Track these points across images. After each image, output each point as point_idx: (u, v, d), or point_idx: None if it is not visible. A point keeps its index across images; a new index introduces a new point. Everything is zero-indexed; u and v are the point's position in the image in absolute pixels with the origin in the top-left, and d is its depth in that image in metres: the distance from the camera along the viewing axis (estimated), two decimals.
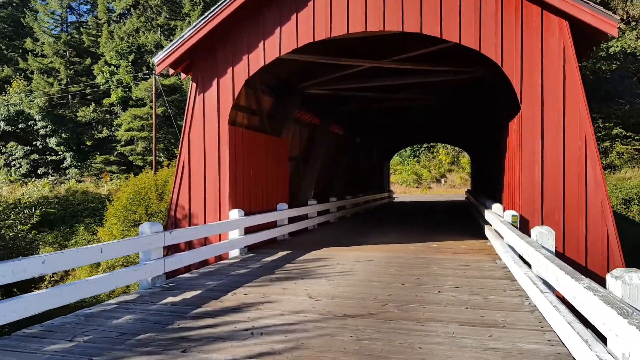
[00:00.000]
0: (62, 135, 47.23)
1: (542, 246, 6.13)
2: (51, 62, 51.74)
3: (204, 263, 10.22)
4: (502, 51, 9.37)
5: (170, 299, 6.77)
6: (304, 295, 6.92)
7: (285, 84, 14.94)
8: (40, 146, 47.92)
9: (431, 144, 58.47)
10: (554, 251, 6.34)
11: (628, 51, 33.55)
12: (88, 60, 51.34)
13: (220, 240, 10.73)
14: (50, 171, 48.62)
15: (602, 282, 8.81)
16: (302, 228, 15.16)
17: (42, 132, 47.11)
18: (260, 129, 13.58)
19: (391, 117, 23.72)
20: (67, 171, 47.87)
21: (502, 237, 9.63)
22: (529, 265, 6.81)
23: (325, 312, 6.05)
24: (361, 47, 13.26)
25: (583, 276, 4.04)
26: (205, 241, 10.98)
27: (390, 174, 57.88)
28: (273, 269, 8.87)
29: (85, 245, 32.21)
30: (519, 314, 5.83)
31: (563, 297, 4.79)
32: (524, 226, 9.20)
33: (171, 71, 11.10)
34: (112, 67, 49.30)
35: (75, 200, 39.27)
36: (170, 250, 11.03)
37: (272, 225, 12.91)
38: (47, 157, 48.36)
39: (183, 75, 11.48)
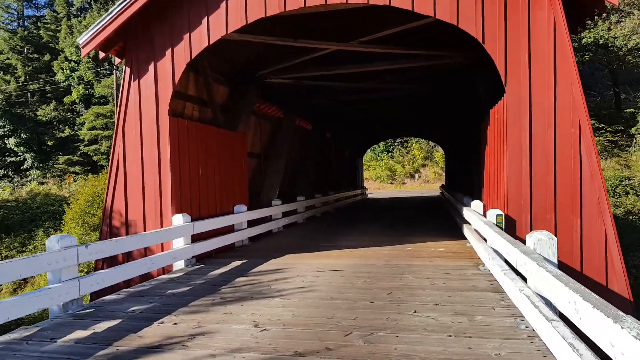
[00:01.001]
0: (22, 135, 44.82)
1: (544, 258, 4.87)
2: (7, 58, 49.12)
3: (146, 277, 8.79)
4: (483, 25, 8.12)
5: (76, 334, 5.31)
6: (248, 323, 5.55)
7: (242, 72, 13.52)
8: None
9: (404, 139, 57.61)
10: (557, 262, 5.10)
11: (600, 42, 32.99)
12: (47, 57, 48.91)
13: (162, 250, 9.29)
14: (10, 173, 46.15)
15: (600, 290, 7.66)
16: (265, 231, 13.76)
17: None
18: (213, 122, 12.13)
19: (362, 110, 22.42)
20: (28, 173, 45.48)
21: (485, 240, 8.42)
22: (523, 278, 5.57)
23: (271, 348, 4.69)
24: (324, 28, 11.91)
25: (624, 315, 2.76)
26: (146, 252, 9.52)
27: (364, 170, 56.84)
28: (219, 286, 7.46)
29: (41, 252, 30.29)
30: (515, 343, 4.57)
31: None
32: (510, 227, 7.99)
33: (101, 54, 9.56)
34: (73, 63, 46.96)
35: (35, 204, 37.24)
36: (106, 264, 9.55)
37: (229, 230, 11.50)
38: (7, 158, 45.86)
39: (117, 61, 9.94)
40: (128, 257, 9.55)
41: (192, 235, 9.49)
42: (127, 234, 9.66)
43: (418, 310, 5.77)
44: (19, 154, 45.47)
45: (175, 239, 9.11)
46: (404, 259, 9.16)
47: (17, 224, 35.16)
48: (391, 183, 57.30)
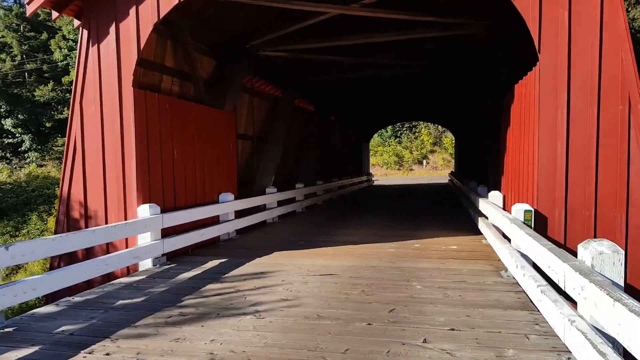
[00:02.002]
0: (19, 116, 43.57)
1: (611, 282, 3.44)
2: (3, 36, 47.73)
3: (108, 277, 7.48)
4: None
5: None
6: (203, 355, 4.17)
7: (231, 42, 12.03)
8: None
9: (413, 123, 55.98)
10: (623, 284, 3.66)
11: None
12: (44, 35, 47.47)
13: (127, 247, 7.94)
14: (8, 155, 45.00)
15: None
16: (258, 222, 12.41)
17: None
18: (196, 99, 10.69)
19: (368, 91, 20.82)
20: (26, 155, 44.29)
21: (509, 240, 7.00)
22: (568, 297, 4.16)
23: None
24: None
25: None
26: (108, 248, 8.18)
27: (371, 155, 55.29)
28: (184, 295, 6.09)
29: (40, 236, 29.11)
30: None
31: None
32: (540, 225, 6.54)
33: (54, 14, 8.12)
34: (71, 41, 45.50)
35: (30, 187, 36.20)
36: (63, 262, 8.23)
37: (213, 221, 10.13)
38: (4, 140, 44.67)
39: (76, 23, 8.48)
40: (89, 253, 8.23)
41: (163, 229, 8.13)
42: (87, 226, 8.31)
43: (429, 339, 4.37)
44: (17, 135, 44.29)
45: (141, 234, 7.75)
46: (410, 260, 7.74)
47: (11, 208, 34.08)
48: (398, 169, 55.76)
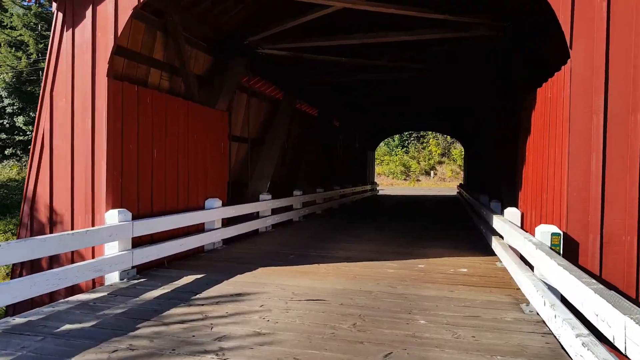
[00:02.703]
0: (31, 114, 42.93)
1: None
2: (20, 35, 47.18)
3: (72, 290, 6.57)
4: None
5: None
6: None
7: (227, 38, 11.11)
8: (7, 125, 43.56)
9: (421, 133, 55.00)
10: None
11: None
12: None
13: (93, 257, 6.98)
14: (18, 152, 44.34)
15: None
16: (250, 231, 11.45)
17: (8, 109, 42.72)
18: (186, 95, 9.76)
19: (375, 96, 19.84)
20: None
21: (531, 266, 5.98)
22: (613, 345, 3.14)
23: None
24: None
25: None
26: (73, 257, 7.23)
27: (377, 164, 54.27)
28: (142, 320, 5.10)
29: None
30: None
31: None
32: (570, 251, 5.51)
33: None
34: None
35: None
36: (25, 270, 7.30)
37: (197, 229, 9.18)
38: (15, 137, 44.04)
39: (54, 6, 7.57)
40: (54, 261, 7.29)
41: (135, 239, 7.17)
42: (52, 231, 7.36)
43: None
44: (28, 132, 43.69)
45: (108, 243, 6.78)
46: (413, 285, 6.72)
47: (15, 205, 33.36)
48: (405, 180, 54.71)
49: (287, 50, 12.18)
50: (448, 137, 52.43)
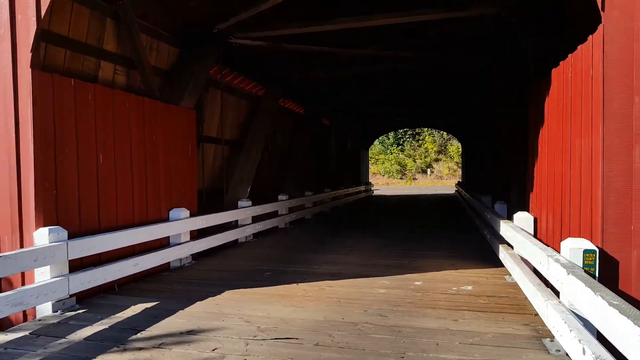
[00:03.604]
0: None
1: None
2: None
3: (2, 325, 5.37)
4: None
5: None
6: None
7: (193, 26, 9.88)
8: None
9: (416, 130, 53.84)
10: None
11: None
12: None
13: (23, 284, 5.74)
14: None
15: None
16: (226, 242, 10.24)
17: None
18: (146, 92, 8.52)
19: (366, 91, 18.56)
20: None
21: (551, 286, 4.77)
22: None
23: None
24: None
25: None
26: None
27: (371, 164, 53.06)
28: None
29: None
30: None
31: None
32: (608, 272, 4.27)
33: None
34: None
35: None
36: None
37: (161, 244, 7.97)
38: None
39: None
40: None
41: (73, 261, 5.94)
42: None
43: None
44: None
45: (37, 269, 5.55)
46: (409, 312, 5.49)
47: None
48: (401, 179, 53.54)
49: (262, 39, 10.96)
50: (444, 133, 51.31)
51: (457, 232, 12.41)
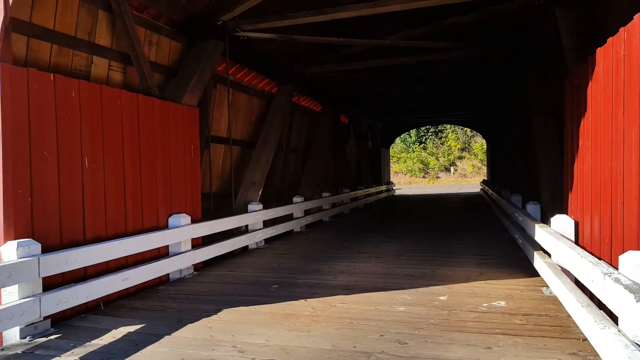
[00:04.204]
0: None
1: None
2: None
3: None
4: None
5: None
6: None
7: (197, 19, 9.18)
8: None
9: (439, 127, 52.61)
10: None
11: None
12: None
13: None
14: None
15: None
16: (236, 249, 9.58)
17: None
18: (142, 88, 7.83)
19: (386, 86, 17.63)
20: None
21: (610, 312, 3.89)
22: None
23: None
24: None
25: None
26: None
27: (393, 162, 52.01)
28: None
29: None
30: None
31: None
32: None
33: None
34: None
35: None
36: None
37: (158, 254, 7.29)
38: None
39: None
40: None
41: (48, 278, 5.27)
42: None
43: None
44: None
45: (4, 287, 4.88)
46: (432, 337, 4.66)
47: None
48: (424, 177, 52.39)
49: (271, 31, 10.21)
50: (468, 130, 50.02)
51: (484, 235, 11.48)
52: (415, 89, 17.75)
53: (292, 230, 12.81)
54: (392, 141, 34.08)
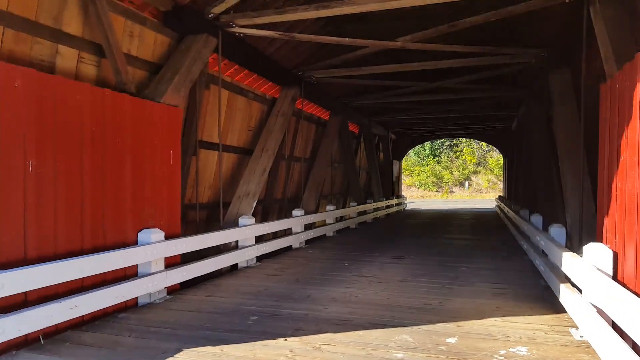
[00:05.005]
0: None
1: None
2: None
3: None
4: None
5: None
6: None
7: (185, 11, 8.28)
8: None
9: (454, 141, 51.44)
10: None
11: None
12: None
13: None
14: None
15: None
16: (220, 268, 8.58)
17: None
18: (117, 85, 6.93)
19: (398, 94, 16.58)
20: None
21: None
22: None
23: None
24: None
25: None
26: None
27: (407, 175, 50.86)
28: None
29: None
30: None
31: None
32: None
33: None
34: None
35: None
36: None
37: (124, 275, 6.32)
38: None
39: None
40: None
41: None
42: None
43: None
44: None
45: None
46: None
47: None
48: (437, 191, 51.16)
49: (271, 27, 9.29)
50: (484, 144, 48.78)
51: (500, 259, 10.36)
52: (429, 99, 16.70)
53: (291, 246, 11.82)
54: (405, 153, 32.97)
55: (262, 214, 13.85)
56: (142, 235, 6.68)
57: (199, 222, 9.71)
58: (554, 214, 10.65)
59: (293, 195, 15.50)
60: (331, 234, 14.66)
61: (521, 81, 14.68)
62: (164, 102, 7.47)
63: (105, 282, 6.00)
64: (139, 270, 6.64)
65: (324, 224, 14.73)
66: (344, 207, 19.15)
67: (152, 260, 6.65)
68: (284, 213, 14.56)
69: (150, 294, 6.65)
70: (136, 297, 6.50)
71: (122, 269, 6.29)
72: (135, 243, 6.66)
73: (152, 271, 6.65)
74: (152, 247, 6.61)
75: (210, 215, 10.69)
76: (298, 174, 15.39)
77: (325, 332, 5.26)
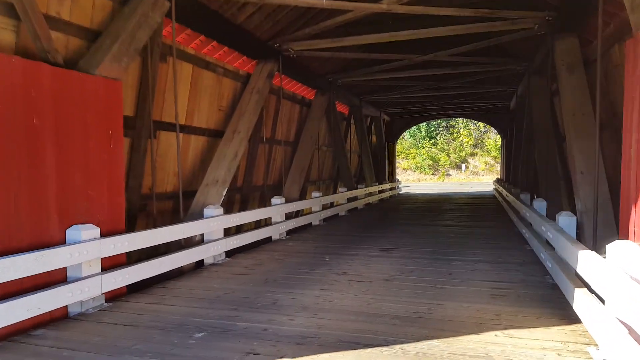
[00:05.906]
0: None
1: None
2: None
3: None
4: None
5: None
6: None
7: None
8: None
9: (450, 122, 50.22)
10: None
11: None
12: None
13: None
14: None
15: None
16: (177, 267, 7.46)
17: None
18: (36, 53, 5.74)
19: (390, 72, 15.31)
20: None
21: None
22: None
23: None
24: None
25: None
26: None
27: (402, 158, 49.71)
28: None
29: None
30: None
31: None
32: None
33: None
34: None
35: None
36: None
37: (46, 281, 5.21)
38: None
39: None
40: None
41: None
42: None
43: None
44: None
45: None
46: None
47: None
48: (433, 174, 50.07)
49: None
50: (481, 125, 47.59)
51: (499, 249, 9.27)
52: (422, 74, 15.46)
53: (271, 237, 10.72)
54: (399, 136, 31.75)
55: (241, 203, 12.73)
56: (71, 233, 5.55)
57: (162, 214, 8.61)
58: (557, 199, 9.56)
59: (276, 182, 14.37)
60: (317, 223, 13.56)
61: (521, 53, 13.48)
62: (100, 74, 6.27)
63: (17, 292, 4.88)
64: (69, 274, 5.52)
65: (310, 212, 13.63)
66: (334, 193, 18.00)
67: (83, 262, 5.52)
68: (265, 202, 13.45)
69: (81, 303, 5.53)
70: (65, 307, 5.40)
71: (45, 273, 5.17)
72: (63, 242, 5.53)
73: (84, 275, 5.52)
74: (82, 247, 5.47)
75: (177, 206, 9.55)
76: (281, 159, 14.24)
77: (281, 358, 4.16)
